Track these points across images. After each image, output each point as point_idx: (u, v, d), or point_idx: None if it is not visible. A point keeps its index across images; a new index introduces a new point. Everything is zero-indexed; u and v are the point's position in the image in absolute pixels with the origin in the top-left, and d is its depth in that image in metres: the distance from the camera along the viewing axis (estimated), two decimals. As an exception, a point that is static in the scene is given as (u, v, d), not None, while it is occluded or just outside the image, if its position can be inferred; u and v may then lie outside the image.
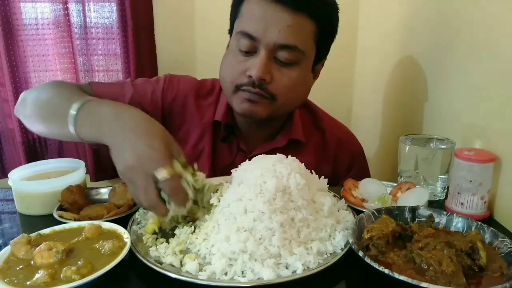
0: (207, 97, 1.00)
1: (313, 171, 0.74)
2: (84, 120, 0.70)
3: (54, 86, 0.88)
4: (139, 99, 0.94)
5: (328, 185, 0.75)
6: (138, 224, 0.69)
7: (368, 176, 1.07)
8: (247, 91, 0.84)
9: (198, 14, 1.68)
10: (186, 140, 0.97)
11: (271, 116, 0.88)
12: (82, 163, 0.85)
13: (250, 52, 0.83)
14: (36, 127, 0.86)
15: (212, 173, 0.94)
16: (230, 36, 0.91)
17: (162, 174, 0.59)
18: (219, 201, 0.67)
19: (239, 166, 0.73)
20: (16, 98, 1.57)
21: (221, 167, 0.96)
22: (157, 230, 0.65)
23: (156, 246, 0.62)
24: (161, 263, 0.57)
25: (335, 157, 1.03)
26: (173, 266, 0.57)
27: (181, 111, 0.98)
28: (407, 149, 0.87)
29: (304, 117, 1.03)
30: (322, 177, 0.74)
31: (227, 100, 0.92)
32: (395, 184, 0.84)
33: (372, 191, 0.81)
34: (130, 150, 0.61)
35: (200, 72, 1.72)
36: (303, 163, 0.71)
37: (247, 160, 0.73)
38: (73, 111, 0.71)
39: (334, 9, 0.88)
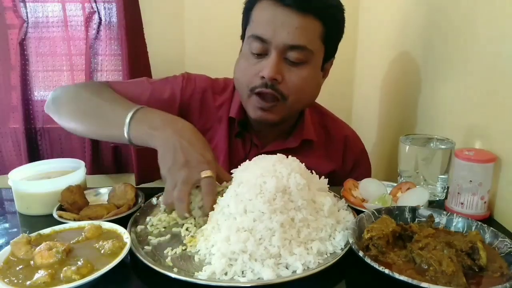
0: (221, 94, 1.05)
1: (313, 171, 0.74)
2: (137, 125, 0.78)
3: (90, 88, 0.94)
4: (157, 97, 0.99)
5: (328, 185, 0.75)
6: (138, 224, 0.69)
7: (370, 176, 1.08)
8: (260, 95, 0.88)
9: (187, 12, 1.69)
10: (203, 134, 0.99)
11: (284, 118, 0.93)
12: (82, 163, 0.85)
13: (262, 55, 0.88)
14: (73, 125, 0.91)
15: (228, 167, 0.96)
16: (242, 41, 0.96)
17: (206, 173, 0.68)
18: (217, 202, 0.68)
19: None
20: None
21: (236, 161, 0.98)
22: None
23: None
24: (161, 263, 0.57)
25: (343, 156, 1.07)
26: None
27: (198, 107, 1.03)
28: (407, 149, 0.87)
29: (313, 116, 1.07)
30: (323, 177, 0.74)
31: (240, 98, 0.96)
32: (395, 184, 0.84)
33: (372, 191, 0.81)
34: (182, 153, 0.70)
35: (190, 70, 1.73)
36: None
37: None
38: (128, 116, 0.78)
39: (340, 9, 0.92)
